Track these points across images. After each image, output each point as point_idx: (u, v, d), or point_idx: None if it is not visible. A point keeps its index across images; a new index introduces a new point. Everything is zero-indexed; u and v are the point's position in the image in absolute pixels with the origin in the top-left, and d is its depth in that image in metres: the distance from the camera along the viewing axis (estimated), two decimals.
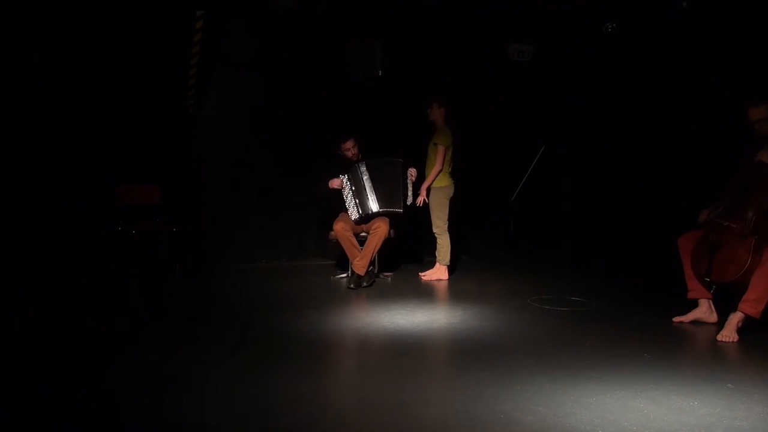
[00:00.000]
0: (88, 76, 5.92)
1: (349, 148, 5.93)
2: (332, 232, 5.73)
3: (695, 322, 4.39)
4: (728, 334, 3.97)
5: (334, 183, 5.85)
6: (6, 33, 5.49)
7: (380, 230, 5.65)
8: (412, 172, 5.90)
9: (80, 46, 5.80)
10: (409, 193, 5.89)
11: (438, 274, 6.02)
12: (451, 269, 6.11)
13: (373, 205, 5.75)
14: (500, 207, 7.53)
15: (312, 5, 6.17)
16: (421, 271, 6.14)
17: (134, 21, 5.86)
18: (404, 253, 6.82)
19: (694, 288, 4.39)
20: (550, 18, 6.57)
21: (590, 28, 6.36)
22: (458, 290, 5.69)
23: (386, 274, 6.14)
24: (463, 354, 3.95)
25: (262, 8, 6.28)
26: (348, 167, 5.90)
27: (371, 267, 5.80)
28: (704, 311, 4.38)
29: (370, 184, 5.79)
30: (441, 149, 5.87)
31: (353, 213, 5.81)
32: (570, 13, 6.33)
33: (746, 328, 3.99)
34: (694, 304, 4.43)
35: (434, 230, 6.03)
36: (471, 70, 7.23)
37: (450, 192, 5.99)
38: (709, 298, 4.37)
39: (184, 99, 6.32)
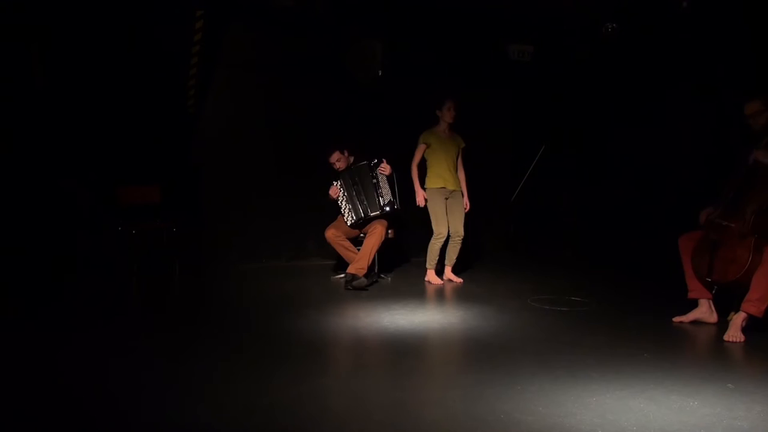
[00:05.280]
0: (89, 76, 5.92)
1: (334, 162, 5.93)
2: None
3: (695, 322, 4.39)
4: (734, 334, 3.97)
5: (331, 193, 5.88)
6: (6, 34, 5.49)
7: (377, 232, 5.64)
8: (382, 168, 5.83)
9: (80, 45, 5.80)
10: (384, 193, 5.80)
11: (428, 276, 5.98)
12: (455, 270, 6.07)
13: (365, 210, 5.79)
14: (500, 207, 7.53)
15: (312, 5, 6.17)
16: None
17: (134, 21, 5.85)
18: (404, 254, 6.82)
19: (694, 288, 4.39)
20: (550, 18, 6.56)
21: (590, 28, 6.36)
22: (458, 290, 5.69)
23: (385, 274, 6.14)
24: (463, 354, 3.95)
25: (262, 8, 6.28)
26: (339, 173, 5.93)
27: (372, 270, 5.81)
28: (704, 311, 4.38)
29: (360, 189, 5.81)
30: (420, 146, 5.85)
31: (348, 218, 5.84)
32: (570, 13, 6.33)
33: (747, 327, 3.99)
34: (694, 304, 4.43)
35: None
36: (471, 70, 7.23)
37: (435, 194, 5.84)
38: (709, 298, 4.37)
39: (184, 99, 6.32)
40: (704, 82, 6.01)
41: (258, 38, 6.55)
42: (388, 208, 5.78)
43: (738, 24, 5.54)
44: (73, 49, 5.79)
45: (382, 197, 5.80)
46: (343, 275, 5.74)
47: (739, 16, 5.49)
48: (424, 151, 5.87)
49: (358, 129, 6.40)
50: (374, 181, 5.82)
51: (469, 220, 6.02)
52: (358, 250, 5.74)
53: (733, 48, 5.65)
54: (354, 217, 5.83)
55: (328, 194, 5.91)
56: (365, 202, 5.81)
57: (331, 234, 5.77)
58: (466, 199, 5.97)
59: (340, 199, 5.89)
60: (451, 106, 5.83)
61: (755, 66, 5.40)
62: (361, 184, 5.83)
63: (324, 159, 6.01)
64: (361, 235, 5.89)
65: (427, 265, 5.94)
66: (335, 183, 5.91)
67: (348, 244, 5.81)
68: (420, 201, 5.85)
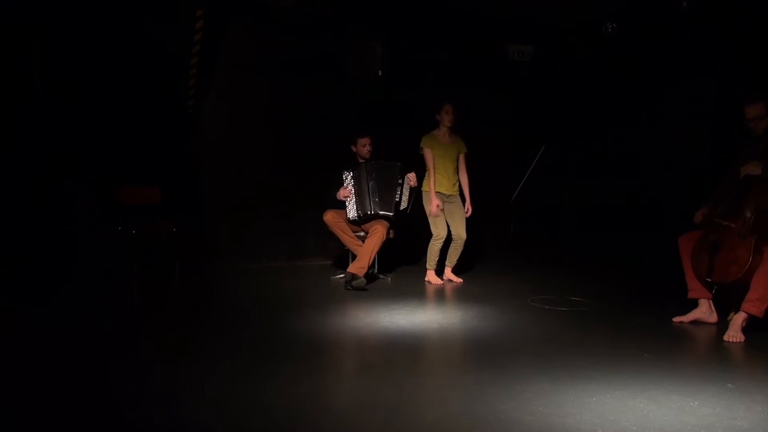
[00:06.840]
0: (88, 76, 5.91)
1: (365, 144, 5.93)
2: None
3: (695, 322, 4.39)
4: (734, 334, 3.97)
5: (341, 194, 5.82)
6: (6, 34, 5.48)
7: (378, 232, 5.63)
8: (410, 177, 5.87)
9: (80, 45, 5.80)
10: (404, 199, 5.85)
11: (428, 276, 5.98)
12: (455, 270, 6.06)
13: (371, 207, 5.76)
14: (500, 207, 7.53)
15: (312, 5, 6.17)
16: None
17: (134, 21, 5.85)
18: (404, 254, 6.82)
19: (694, 288, 4.39)
20: (550, 18, 6.57)
21: (590, 28, 6.36)
22: (458, 290, 5.69)
23: (385, 274, 6.14)
24: (463, 354, 3.95)
25: (262, 8, 6.28)
26: (353, 166, 5.90)
27: (371, 269, 5.80)
28: (704, 311, 4.38)
29: (372, 185, 5.79)
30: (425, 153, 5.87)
31: (351, 211, 5.82)
32: (570, 13, 6.33)
33: (747, 327, 3.99)
34: (694, 304, 4.43)
35: None
36: (471, 70, 7.22)
37: (428, 198, 5.86)
38: (709, 298, 4.37)
39: (184, 99, 6.32)
40: (704, 82, 6.01)
41: (258, 38, 6.55)
42: (393, 215, 5.77)
43: (738, 24, 5.53)
44: (73, 49, 5.78)
45: (399, 202, 5.79)
46: (342, 275, 5.74)
47: (739, 16, 5.49)
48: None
49: (357, 129, 6.38)
50: (399, 183, 5.81)
51: (470, 220, 6.02)
52: (357, 239, 5.74)
53: (732, 48, 5.65)
54: (359, 212, 5.78)
55: (336, 193, 5.82)
56: (376, 199, 5.77)
57: (331, 217, 5.71)
58: (468, 204, 5.97)
59: (348, 190, 5.84)
60: (449, 109, 5.83)
61: (755, 66, 5.41)
62: (378, 181, 5.79)
63: (326, 150, 6.00)
64: (361, 234, 5.88)
65: (427, 266, 5.95)
66: (345, 175, 5.85)
67: (346, 227, 5.77)
68: (434, 209, 5.79)
